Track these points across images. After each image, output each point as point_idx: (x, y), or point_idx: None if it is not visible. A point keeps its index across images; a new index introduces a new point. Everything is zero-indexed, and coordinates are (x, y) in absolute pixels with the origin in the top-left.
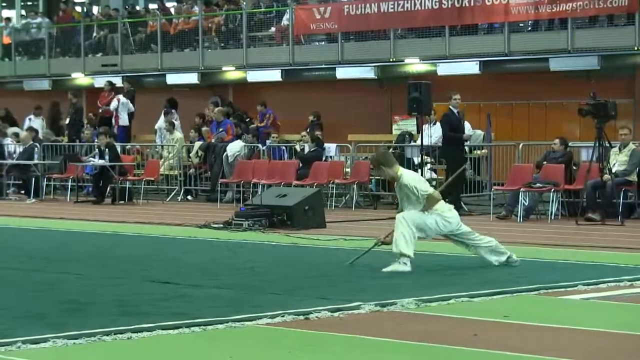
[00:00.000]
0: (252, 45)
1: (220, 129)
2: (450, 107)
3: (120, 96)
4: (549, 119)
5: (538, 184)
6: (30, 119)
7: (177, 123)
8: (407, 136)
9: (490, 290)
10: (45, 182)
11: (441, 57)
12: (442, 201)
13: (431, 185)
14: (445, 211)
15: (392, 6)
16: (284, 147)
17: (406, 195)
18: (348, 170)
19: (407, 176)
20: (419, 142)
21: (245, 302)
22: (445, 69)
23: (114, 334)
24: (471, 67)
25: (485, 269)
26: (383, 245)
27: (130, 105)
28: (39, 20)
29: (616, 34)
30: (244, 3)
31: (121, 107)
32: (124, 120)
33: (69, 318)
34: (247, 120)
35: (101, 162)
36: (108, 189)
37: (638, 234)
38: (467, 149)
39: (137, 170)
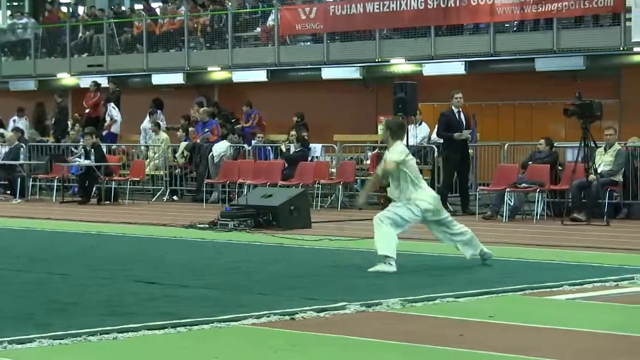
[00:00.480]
0: (238, 45)
1: (206, 130)
2: (452, 106)
3: (112, 104)
4: (535, 119)
5: (523, 184)
6: (14, 120)
7: (162, 124)
8: None
9: (475, 291)
10: (31, 183)
11: (427, 58)
12: (423, 188)
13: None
14: (420, 198)
15: (377, 6)
16: (269, 148)
17: None
18: (333, 170)
19: (392, 150)
20: (404, 141)
21: (231, 302)
22: (430, 69)
23: (100, 334)
24: (457, 68)
25: (470, 269)
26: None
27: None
28: (24, 20)
29: (602, 34)
30: (229, 3)
31: (117, 114)
32: (116, 128)
33: (55, 318)
34: (233, 120)
35: (87, 162)
36: (94, 189)
37: (623, 234)
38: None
39: (123, 171)
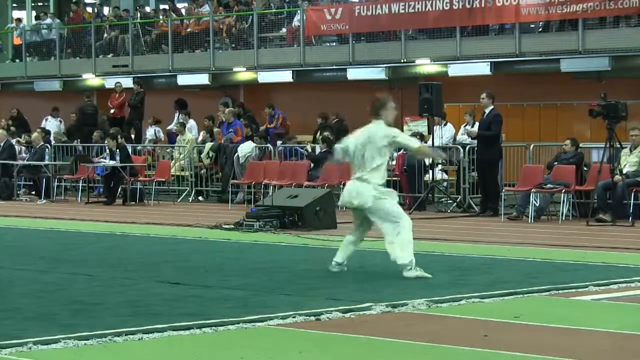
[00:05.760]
0: (263, 46)
1: (230, 130)
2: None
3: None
4: (560, 120)
5: (549, 185)
6: (47, 119)
7: (188, 125)
8: (418, 137)
9: (501, 291)
10: (56, 183)
11: (452, 58)
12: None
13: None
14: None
15: (402, 7)
16: (295, 148)
17: None
18: None
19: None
20: (429, 143)
21: (256, 303)
22: (456, 70)
23: (125, 335)
24: (482, 68)
25: (495, 269)
26: None
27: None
28: (49, 21)
29: (627, 35)
30: (255, 4)
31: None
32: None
33: (80, 319)
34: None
35: (112, 162)
36: (119, 189)
37: None
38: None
39: (148, 171)
